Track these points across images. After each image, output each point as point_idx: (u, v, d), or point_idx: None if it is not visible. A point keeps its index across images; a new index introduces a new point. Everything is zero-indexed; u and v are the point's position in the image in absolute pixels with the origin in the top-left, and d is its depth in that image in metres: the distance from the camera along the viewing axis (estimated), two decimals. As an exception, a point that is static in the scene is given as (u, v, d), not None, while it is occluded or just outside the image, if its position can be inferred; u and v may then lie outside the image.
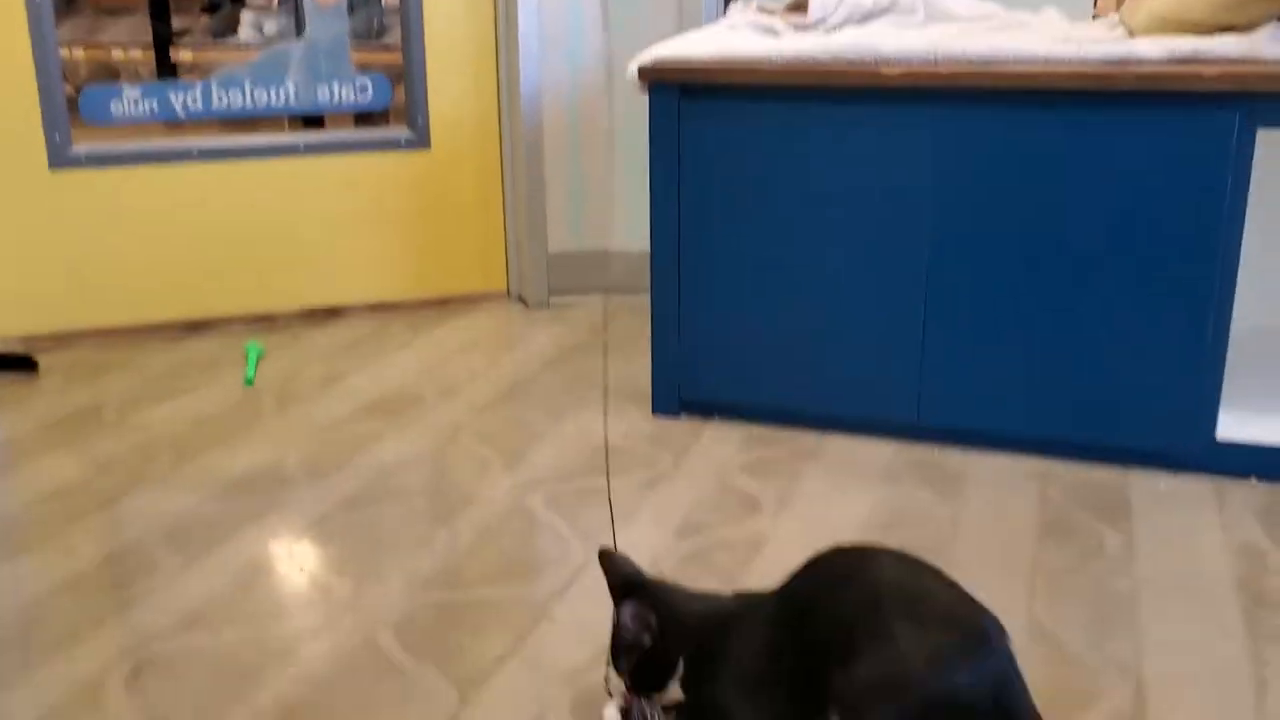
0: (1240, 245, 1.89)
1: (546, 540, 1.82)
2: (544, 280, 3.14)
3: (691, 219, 2.20)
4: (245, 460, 2.14)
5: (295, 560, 1.78)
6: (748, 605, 1.29)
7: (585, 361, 2.71)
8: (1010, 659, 1.18)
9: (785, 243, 2.15)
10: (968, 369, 2.08)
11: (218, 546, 1.81)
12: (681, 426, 2.29)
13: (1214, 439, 1.98)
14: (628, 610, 1.24)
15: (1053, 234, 1.98)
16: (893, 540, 1.80)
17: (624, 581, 1.31)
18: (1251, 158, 1.84)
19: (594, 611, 1.57)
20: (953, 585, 1.23)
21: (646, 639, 1.25)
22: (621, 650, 1.27)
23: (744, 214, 2.16)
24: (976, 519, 1.88)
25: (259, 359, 2.68)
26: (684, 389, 2.31)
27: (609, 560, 1.33)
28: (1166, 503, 1.93)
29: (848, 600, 1.20)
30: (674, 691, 1.26)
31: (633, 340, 2.84)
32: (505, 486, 2.02)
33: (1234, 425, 2.00)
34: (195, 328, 2.93)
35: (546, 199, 3.11)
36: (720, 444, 2.20)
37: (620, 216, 3.12)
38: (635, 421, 2.31)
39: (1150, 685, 1.42)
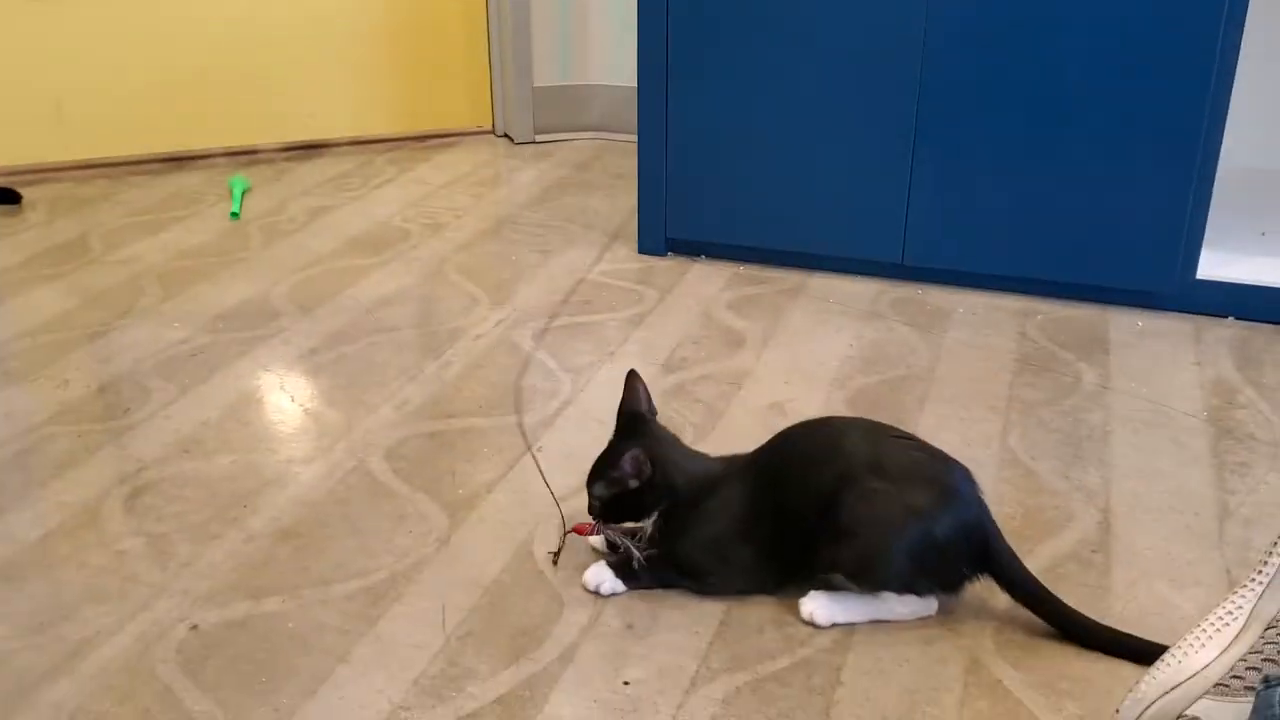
0: (1232, 85, 1.87)
1: (534, 374, 1.85)
2: (529, 117, 3.10)
3: (679, 55, 2.16)
4: (233, 294, 2.15)
5: (286, 391, 1.81)
6: (726, 471, 1.33)
7: (572, 199, 2.70)
8: (982, 507, 1.25)
9: (774, 81, 2.12)
10: (953, 208, 2.09)
11: (209, 378, 1.83)
12: (668, 265, 2.30)
13: (1194, 278, 2.00)
14: (631, 454, 1.27)
15: (1042, 73, 1.95)
16: (873, 374, 1.85)
17: (632, 413, 1.35)
18: (1248, -4, 1.82)
19: (581, 441, 1.61)
20: (921, 446, 1.28)
21: (634, 484, 1.29)
22: (605, 480, 1.31)
23: (732, 51, 2.12)
24: (956, 354, 1.91)
25: (244, 193, 2.66)
26: (670, 228, 2.31)
27: (632, 383, 1.36)
28: (1144, 340, 1.96)
29: (822, 469, 1.26)
30: (645, 528, 1.31)
31: (618, 179, 2.83)
32: (493, 321, 2.03)
33: (1214, 265, 2.01)
34: (178, 162, 2.90)
35: (532, 33, 3.04)
36: (706, 282, 2.21)
37: (608, 51, 3.07)
38: (621, 260, 2.32)
39: (1117, 512, 1.47)
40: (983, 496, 1.26)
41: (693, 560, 1.31)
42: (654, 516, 1.30)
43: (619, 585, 1.32)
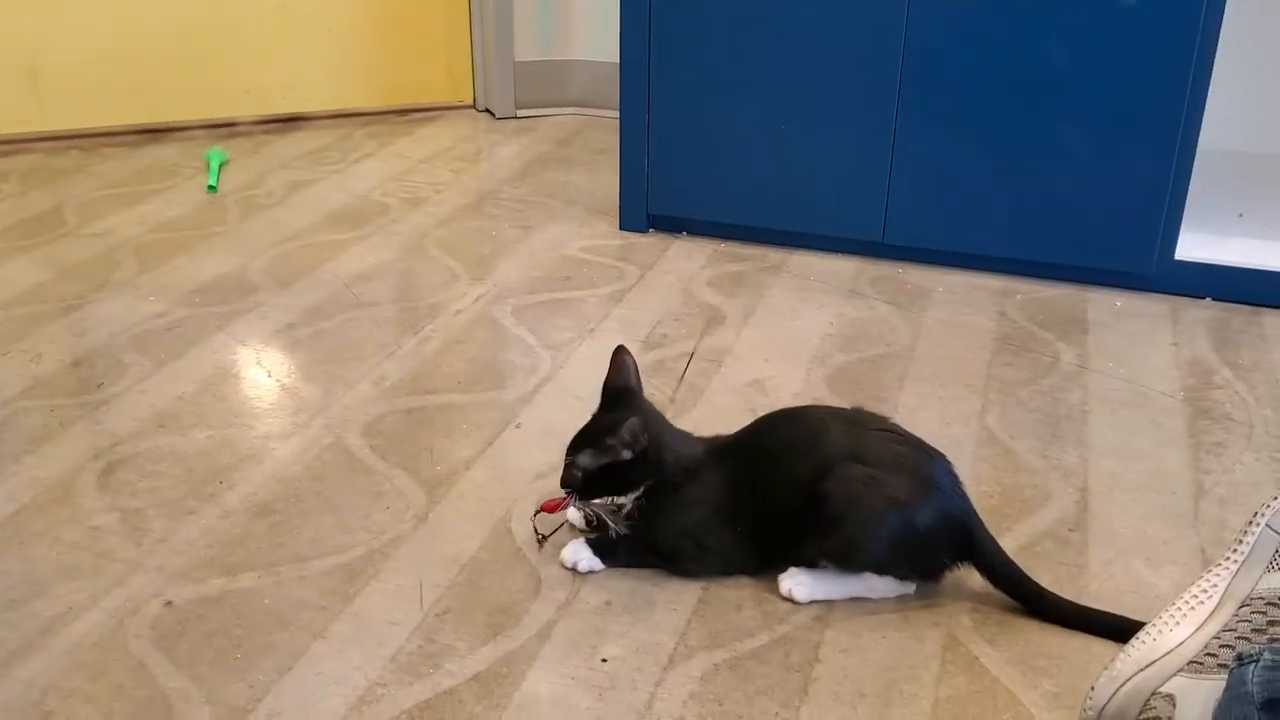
0: (1211, 69, 1.87)
1: (514, 350, 1.84)
2: (511, 92, 3.08)
3: (662, 31, 2.15)
4: (210, 268, 2.13)
5: (263, 366, 1.79)
6: (708, 454, 1.32)
7: (553, 174, 2.69)
8: (964, 498, 1.25)
9: (756, 59, 2.10)
10: (934, 188, 2.08)
11: (185, 352, 1.82)
12: (649, 242, 2.29)
13: (1173, 259, 2.00)
14: (632, 422, 1.25)
15: (1024, 53, 1.95)
16: (853, 352, 1.84)
17: (622, 387, 1.32)
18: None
19: (560, 417, 1.60)
20: (903, 438, 1.28)
21: (626, 455, 1.27)
22: (597, 448, 1.28)
23: (715, 28, 2.11)
24: (935, 333, 1.91)
25: (222, 166, 2.64)
26: (652, 204, 2.30)
27: (619, 358, 1.34)
28: (1122, 320, 1.96)
29: (804, 458, 1.25)
30: (625, 504, 1.30)
31: (600, 155, 2.81)
32: (472, 297, 2.02)
33: (1192, 246, 2.02)
34: (154, 134, 2.87)
35: (514, 6, 3.02)
36: (687, 259, 2.21)
37: (590, 27, 3.05)
38: (602, 236, 2.31)
39: (1094, 491, 1.48)
40: (964, 488, 1.26)
41: (671, 543, 1.30)
42: (638, 492, 1.29)
43: (596, 563, 1.31)
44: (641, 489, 1.29)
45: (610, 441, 1.27)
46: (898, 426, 1.30)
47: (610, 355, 1.35)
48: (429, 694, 1.14)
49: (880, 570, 1.25)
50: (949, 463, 1.27)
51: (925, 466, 1.25)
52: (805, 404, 1.57)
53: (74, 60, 2.75)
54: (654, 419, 1.32)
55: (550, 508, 1.35)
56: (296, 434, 1.59)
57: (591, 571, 1.31)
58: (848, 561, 1.24)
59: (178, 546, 1.35)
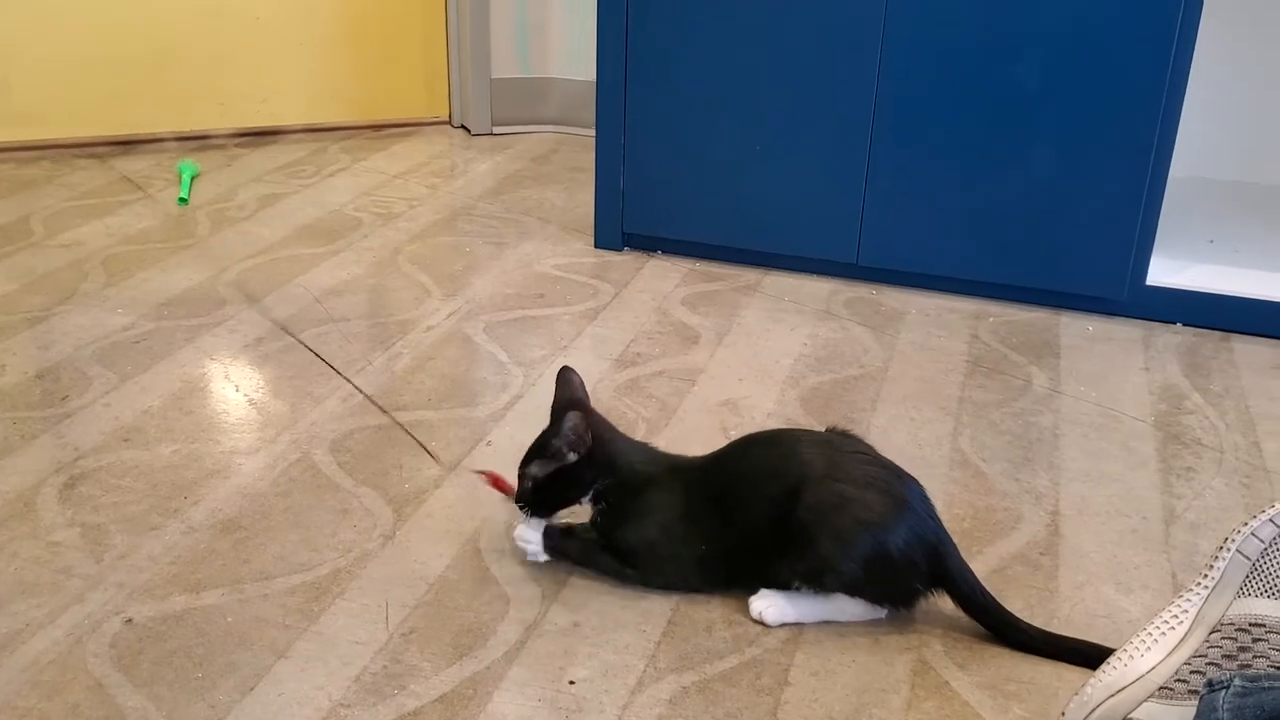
0: (1183, 96, 1.88)
1: (486, 367, 1.83)
2: (487, 108, 3.07)
3: (639, 50, 2.15)
4: (179, 281, 2.11)
5: (231, 380, 1.77)
6: (676, 466, 1.32)
7: (528, 192, 2.68)
8: (937, 523, 1.25)
9: (732, 79, 2.11)
10: (908, 210, 2.09)
11: (152, 365, 1.79)
12: (624, 260, 2.28)
13: (1144, 284, 2.01)
14: (571, 416, 1.25)
15: (998, 78, 1.96)
16: (827, 373, 1.84)
17: (570, 401, 1.32)
18: (1201, 5, 1.83)
19: (531, 435, 1.58)
20: (876, 460, 1.27)
21: (572, 456, 1.27)
22: (543, 456, 1.28)
23: (692, 48, 2.11)
24: (909, 355, 1.91)
25: (194, 178, 2.62)
26: (627, 222, 2.30)
27: (565, 377, 1.35)
28: (1094, 344, 1.97)
29: (777, 480, 1.25)
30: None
31: (576, 173, 2.81)
32: (445, 313, 2.01)
33: (1163, 272, 2.03)
34: (126, 145, 2.84)
35: (491, 23, 3.01)
36: (662, 278, 2.20)
37: (567, 45, 3.05)
38: (577, 254, 2.31)
39: (1066, 515, 1.48)
40: (936, 512, 1.26)
41: (628, 546, 1.29)
42: (589, 495, 1.29)
43: (541, 555, 1.31)
44: (592, 491, 1.29)
45: (555, 443, 1.27)
46: (871, 449, 1.30)
47: (557, 375, 1.36)
48: (393, 715, 1.12)
49: (852, 592, 1.24)
50: (921, 486, 1.26)
51: (898, 488, 1.24)
52: (780, 426, 1.56)
53: (46, 71, 2.72)
54: (602, 424, 1.32)
55: (495, 481, 1.36)
56: (263, 449, 1.57)
57: (537, 560, 1.31)
58: (820, 582, 1.23)
59: (139, 563, 1.33)
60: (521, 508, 1.31)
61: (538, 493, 1.30)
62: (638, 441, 1.35)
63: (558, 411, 1.32)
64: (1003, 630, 1.24)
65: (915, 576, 1.24)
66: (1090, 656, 1.16)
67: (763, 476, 1.26)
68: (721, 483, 1.29)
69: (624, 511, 1.29)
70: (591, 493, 1.29)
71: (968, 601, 1.24)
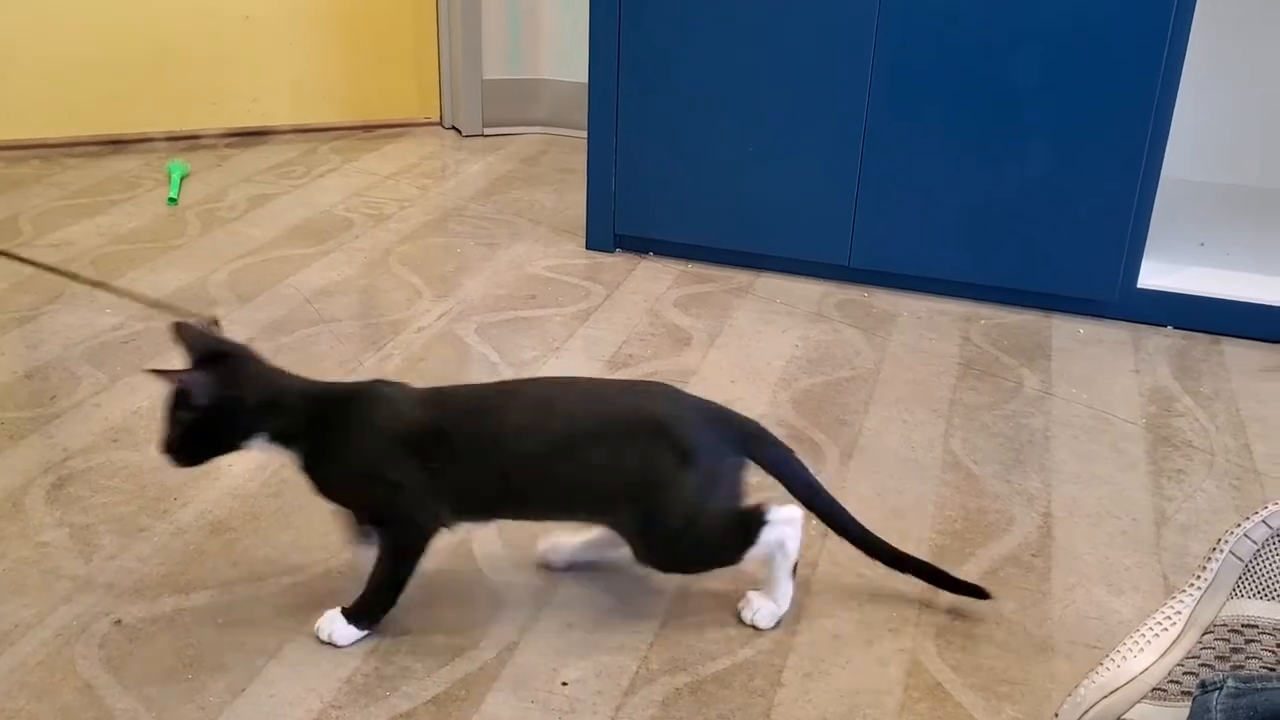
0: (1175, 99, 1.89)
1: (477, 368, 1.82)
2: (478, 109, 3.07)
3: (631, 51, 2.14)
4: (169, 281, 2.10)
5: (221, 381, 1.76)
6: (389, 392, 1.24)
7: (520, 193, 2.68)
8: (717, 429, 1.23)
9: (724, 80, 2.11)
10: (900, 213, 2.09)
11: (141, 365, 1.78)
12: (615, 261, 2.28)
13: (1135, 287, 2.02)
14: (181, 378, 1.14)
15: (991, 81, 1.96)
16: (818, 375, 1.84)
17: (202, 357, 1.17)
18: (1193, 7, 1.83)
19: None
20: (635, 408, 1.22)
21: (200, 402, 1.14)
22: (167, 419, 1.17)
23: (684, 49, 2.11)
24: (900, 357, 1.91)
25: (183, 178, 2.61)
26: (619, 224, 2.29)
27: (183, 331, 1.19)
28: (1085, 347, 1.97)
29: (536, 436, 1.19)
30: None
31: (567, 174, 2.81)
32: (435, 314, 2.00)
33: (1154, 275, 2.04)
34: (116, 145, 2.83)
35: (482, 24, 3.01)
36: (654, 279, 2.20)
37: (559, 46, 3.04)
38: (569, 255, 2.30)
39: (1057, 517, 1.48)
40: (707, 406, 1.25)
41: (351, 488, 1.20)
42: (260, 439, 1.17)
43: (351, 633, 1.21)
44: (262, 436, 1.17)
45: (168, 406, 1.15)
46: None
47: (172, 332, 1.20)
48: (385, 717, 1.11)
49: (717, 556, 1.24)
50: (674, 390, 1.25)
51: (669, 436, 1.18)
52: (771, 428, 1.55)
53: (36, 70, 2.71)
54: (249, 360, 1.20)
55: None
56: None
57: (351, 643, 1.21)
58: (675, 572, 1.27)
59: (128, 564, 1.32)
60: (175, 459, 1.19)
61: (184, 446, 1.17)
62: (304, 377, 1.23)
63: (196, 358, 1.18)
64: (833, 521, 1.25)
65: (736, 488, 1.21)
66: (929, 574, 1.26)
67: (521, 430, 1.19)
68: (464, 420, 1.22)
69: (331, 448, 1.19)
70: (258, 438, 1.18)
71: (796, 490, 1.24)
